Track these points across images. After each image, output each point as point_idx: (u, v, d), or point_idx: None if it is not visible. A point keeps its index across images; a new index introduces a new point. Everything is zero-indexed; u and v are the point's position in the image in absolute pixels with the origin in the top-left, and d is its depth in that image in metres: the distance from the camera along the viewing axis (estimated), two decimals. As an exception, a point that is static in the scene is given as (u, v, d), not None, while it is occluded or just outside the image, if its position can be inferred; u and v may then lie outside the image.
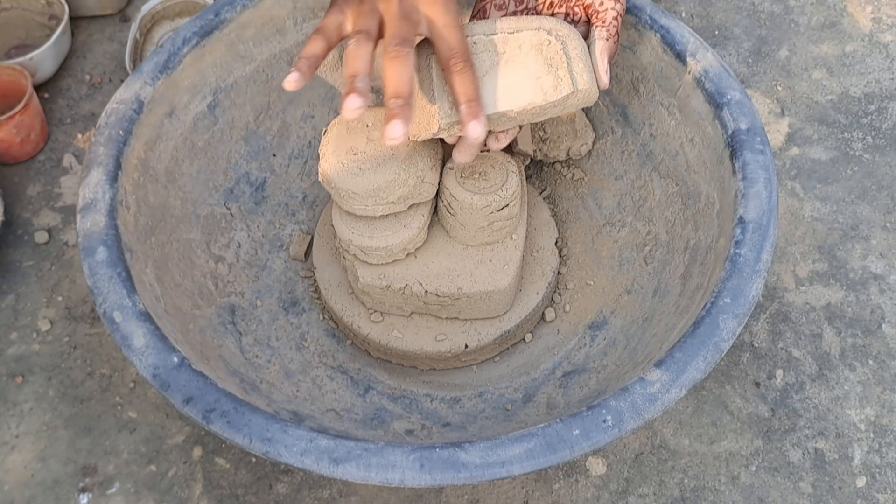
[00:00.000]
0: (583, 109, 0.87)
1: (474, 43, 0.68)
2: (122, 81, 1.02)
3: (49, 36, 1.04)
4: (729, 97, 0.73)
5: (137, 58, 1.05)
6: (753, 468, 0.81)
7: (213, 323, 0.76)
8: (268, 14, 0.83)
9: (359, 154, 0.71)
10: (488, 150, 0.75)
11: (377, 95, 0.92)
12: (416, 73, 0.64)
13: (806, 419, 0.83)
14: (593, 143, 0.88)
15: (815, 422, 0.83)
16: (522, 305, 0.80)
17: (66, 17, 1.03)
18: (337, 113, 0.91)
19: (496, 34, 0.68)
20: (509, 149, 0.86)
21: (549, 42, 0.67)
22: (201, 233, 0.81)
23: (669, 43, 0.76)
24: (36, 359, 0.87)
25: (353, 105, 0.60)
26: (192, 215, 0.81)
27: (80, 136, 1.03)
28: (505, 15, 0.73)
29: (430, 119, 0.67)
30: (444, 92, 0.67)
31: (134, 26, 1.05)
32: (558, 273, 0.84)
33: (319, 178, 0.73)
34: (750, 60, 1.08)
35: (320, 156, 0.72)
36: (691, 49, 0.75)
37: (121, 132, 0.73)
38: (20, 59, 0.99)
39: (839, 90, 1.05)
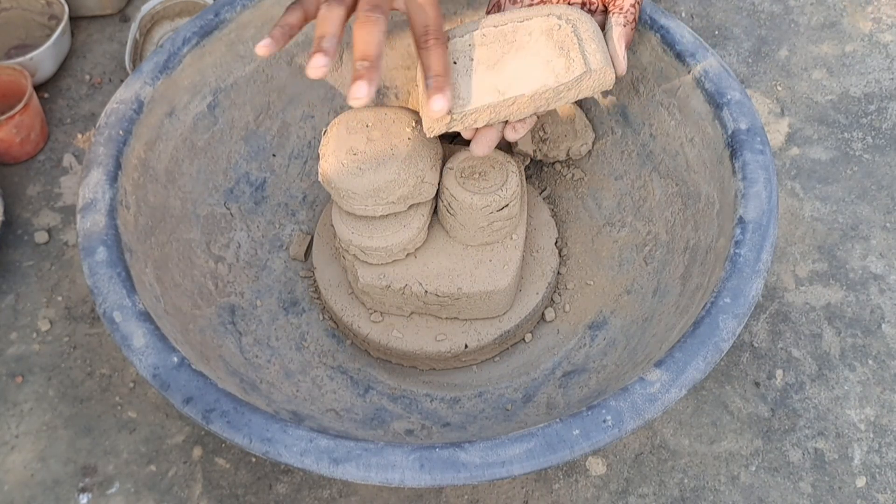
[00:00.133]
0: (582, 110, 0.87)
1: (484, 35, 0.68)
2: (122, 81, 1.02)
3: (49, 36, 1.04)
4: (729, 97, 0.73)
5: (137, 58, 1.05)
6: (753, 468, 0.81)
7: (212, 323, 0.76)
8: (268, 14, 0.83)
9: (359, 154, 0.71)
10: (508, 144, 0.75)
11: (377, 95, 0.92)
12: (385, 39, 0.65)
13: (806, 419, 0.83)
14: (593, 143, 0.88)
15: (814, 422, 0.83)
16: (522, 305, 0.80)
17: (65, 17, 1.03)
18: (337, 113, 0.91)
19: (506, 24, 0.69)
20: (509, 149, 0.86)
21: (560, 26, 0.67)
22: (201, 233, 0.81)
23: (669, 43, 0.76)
24: (36, 359, 0.87)
25: (317, 63, 0.61)
26: (191, 215, 0.81)
27: (80, 136, 1.03)
28: (521, 7, 0.73)
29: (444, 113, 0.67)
30: (455, 84, 0.67)
31: (134, 26, 1.05)
32: (558, 273, 0.84)
33: (319, 178, 0.73)
34: (750, 60, 1.08)
35: (320, 156, 0.72)
36: (691, 49, 0.75)
37: (121, 132, 0.73)
38: (20, 59, 0.99)
39: (839, 90, 1.05)
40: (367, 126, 0.72)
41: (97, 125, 0.74)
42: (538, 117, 0.71)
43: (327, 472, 0.56)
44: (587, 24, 0.68)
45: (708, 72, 0.74)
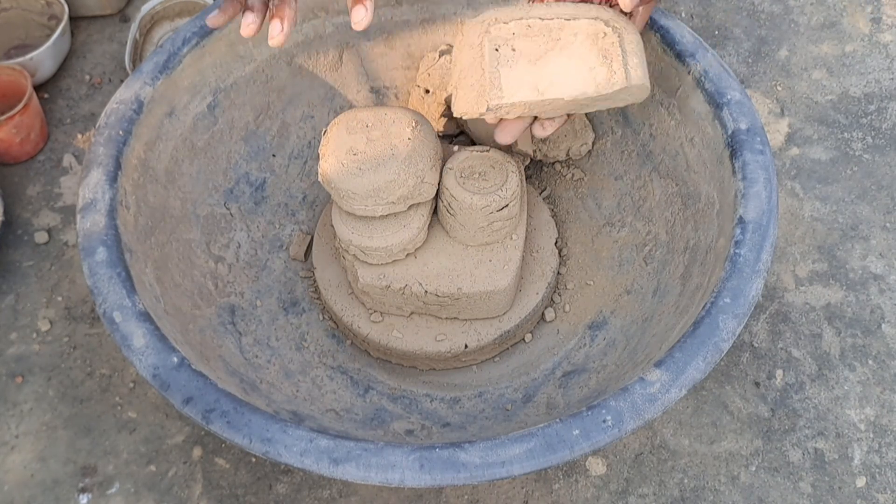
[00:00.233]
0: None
1: (529, 26, 0.68)
2: (121, 81, 1.02)
3: (49, 36, 1.04)
4: (729, 97, 0.73)
5: (137, 58, 1.05)
6: (753, 468, 0.81)
7: (212, 323, 0.76)
8: (267, 14, 0.83)
9: (358, 154, 0.71)
10: (534, 138, 0.76)
11: (377, 95, 0.92)
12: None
13: (806, 419, 0.83)
14: (593, 143, 0.88)
15: (814, 422, 0.83)
16: (522, 305, 0.80)
17: (65, 17, 1.03)
18: (337, 113, 0.91)
19: (552, 20, 0.68)
20: (509, 149, 0.86)
21: (606, 34, 0.67)
22: (201, 233, 0.81)
23: (669, 43, 0.76)
24: (36, 359, 0.87)
25: (246, 20, 0.65)
26: (191, 215, 0.81)
27: (79, 136, 1.03)
28: (567, 2, 0.72)
29: (479, 99, 0.67)
30: (495, 72, 0.67)
31: (134, 26, 1.05)
32: (558, 273, 0.84)
33: (319, 179, 0.73)
34: (750, 60, 1.08)
35: (320, 156, 0.72)
36: (691, 49, 0.75)
37: (120, 132, 0.73)
38: (20, 60, 0.99)
39: (839, 90, 1.05)
40: (366, 126, 0.72)
41: (97, 125, 0.74)
42: (567, 118, 0.71)
43: (327, 473, 0.56)
44: (632, 36, 0.68)
45: (708, 72, 0.74)
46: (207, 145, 0.83)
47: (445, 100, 0.87)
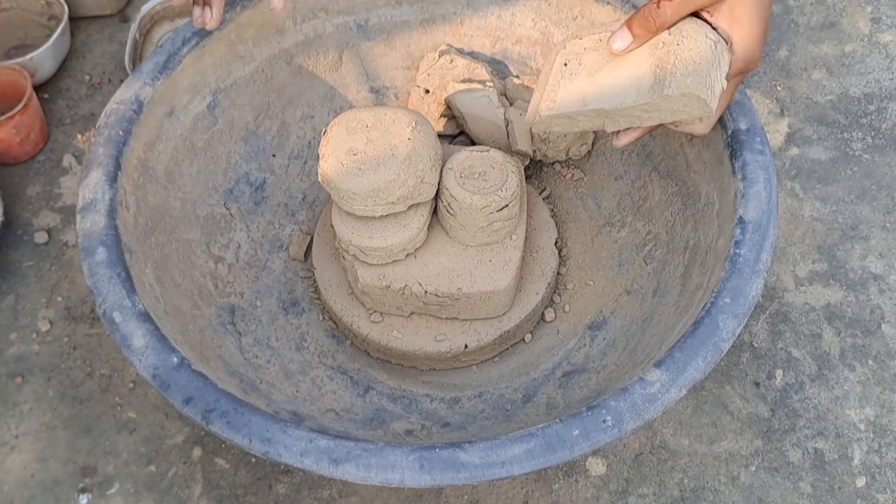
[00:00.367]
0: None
1: (600, 39, 0.67)
2: (121, 82, 1.02)
3: (49, 36, 1.04)
4: (728, 97, 0.73)
5: (137, 58, 1.05)
6: (753, 468, 0.81)
7: (212, 323, 0.76)
8: (267, 14, 0.83)
9: (358, 154, 0.71)
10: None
11: (377, 96, 0.92)
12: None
13: (806, 419, 0.83)
14: (593, 144, 0.88)
15: (814, 422, 0.83)
16: (522, 306, 0.80)
17: (65, 17, 1.03)
18: (337, 113, 0.91)
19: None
20: (509, 149, 0.86)
21: (665, 42, 0.65)
22: (201, 233, 0.81)
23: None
24: (36, 359, 0.87)
25: (195, 15, 0.75)
26: (191, 215, 0.81)
27: (79, 136, 1.03)
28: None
29: (534, 110, 0.68)
30: (556, 85, 0.67)
31: (133, 27, 1.05)
32: (558, 273, 0.84)
33: (319, 179, 0.73)
34: (749, 60, 1.08)
35: (320, 156, 0.72)
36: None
37: (120, 132, 0.73)
38: (20, 60, 0.99)
39: (839, 90, 1.05)
40: (366, 126, 0.72)
41: (97, 125, 0.74)
42: (645, 131, 0.69)
43: (327, 473, 0.56)
44: (694, 45, 0.65)
45: (708, 72, 0.74)
46: (207, 145, 0.83)
47: (445, 100, 0.87)
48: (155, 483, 0.80)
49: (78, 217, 0.69)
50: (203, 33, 0.79)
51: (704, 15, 0.66)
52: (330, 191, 0.72)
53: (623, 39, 0.66)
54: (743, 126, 0.71)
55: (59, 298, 0.90)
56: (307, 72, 0.89)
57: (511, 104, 0.87)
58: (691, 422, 0.83)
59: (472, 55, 0.91)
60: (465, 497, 0.79)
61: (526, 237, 0.80)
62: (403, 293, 0.76)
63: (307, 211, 0.89)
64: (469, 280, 0.75)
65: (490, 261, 0.76)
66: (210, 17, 0.76)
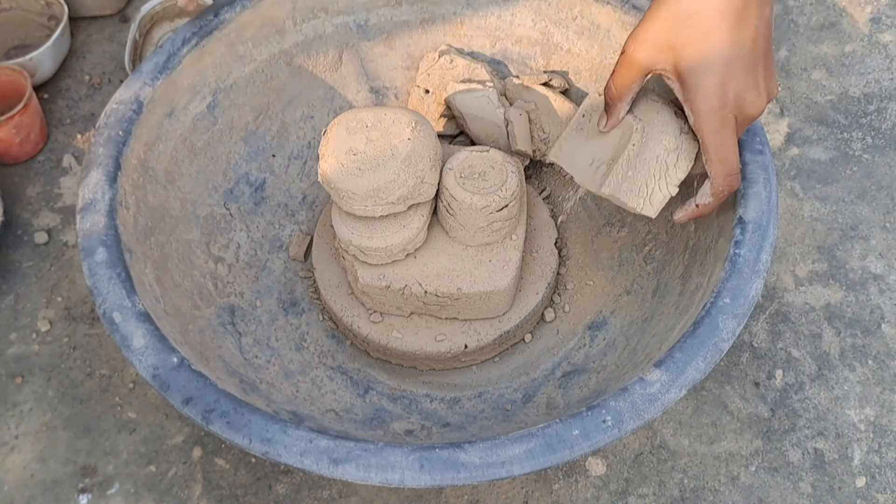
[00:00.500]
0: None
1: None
2: (121, 82, 1.02)
3: (48, 36, 1.04)
4: (728, 97, 0.73)
5: (137, 58, 1.05)
6: (753, 468, 0.81)
7: (212, 323, 0.76)
8: (267, 15, 0.83)
9: (358, 154, 0.71)
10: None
11: (376, 96, 0.92)
12: None
13: (805, 419, 0.83)
14: (593, 144, 0.88)
15: (814, 422, 0.83)
16: (522, 306, 0.80)
17: (65, 17, 1.03)
18: (336, 113, 0.91)
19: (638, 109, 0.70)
20: (509, 149, 0.86)
21: (633, 133, 0.68)
22: (201, 233, 0.81)
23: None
24: (35, 359, 0.87)
25: None
26: (191, 216, 0.81)
27: (79, 136, 1.03)
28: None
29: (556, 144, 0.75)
30: (568, 134, 0.74)
31: (133, 27, 1.05)
32: (558, 273, 0.84)
33: (319, 179, 0.73)
34: (749, 60, 1.08)
35: (320, 156, 0.72)
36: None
37: (120, 132, 0.73)
38: (20, 60, 0.99)
39: (838, 90, 1.05)
40: (366, 126, 0.72)
41: (97, 126, 0.74)
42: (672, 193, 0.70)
43: (327, 473, 0.56)
44: (652, 149, 0.67)
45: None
46: (207, 145, 0.83)
47: (445, 100, 0.87)
48: (155, 483, 0.80)
49: (78, 217, 0.69)
50: (203, 33, 0.79)
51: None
52: (330, 191, 0.72)
53: (603, 119, 0.69)
54: (743, 126, 0.71)
55: (59, 298, 0.90)
56: (307, 72, 0.89)
57: (511, 104, 0.87)
58: (691, 422, 0.83)
59: (472, 55, 0.91)
60: (465, 497, 0.79)
61: (526, 237, 0.80)
62: (403, 293, 0.76)
63: (307, 211, 0.89)
64: (469, 280, 0.75)
65: (490, 261, 0.76)
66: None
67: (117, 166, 0.71)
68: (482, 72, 0.87)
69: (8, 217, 0.94)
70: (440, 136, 0.91)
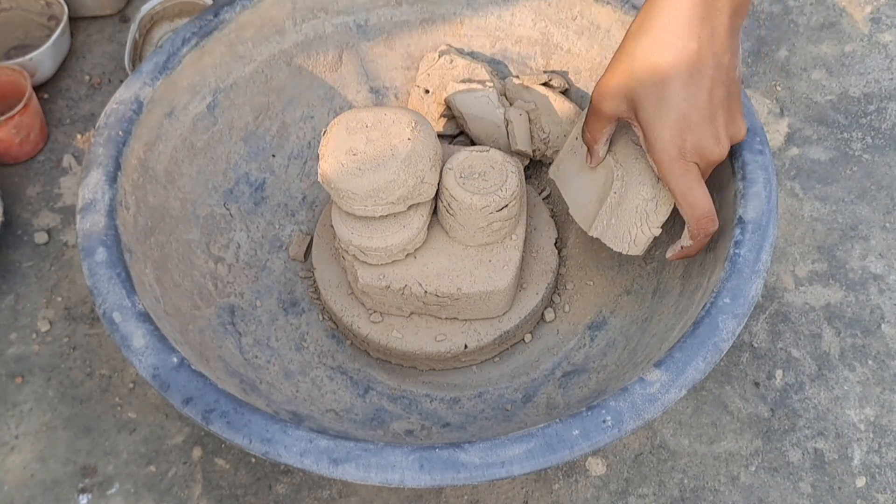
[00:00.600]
0: (582, 109, 0.87)
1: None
2: (121, 82, 1.02)
3: (48, 36, 1.04)
4: (728, 97, 0.73)
5: (137, 58, 1.05)
6: (753, 468, 0.81)
7: (212, 323, 0.76)
8: (267, 15, 0.83)
9: (358, 154, 0.71)
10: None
11: (376, 96, 0.92)
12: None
13: (805, 419, 0.83)
14: (593, 144, 0.88)
15: (814, 422, 0.83)
16: (522, 306, 0.80)
17: (65, 17, 1.03)
18: (336, 113, 0.91)
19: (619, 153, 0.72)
20: (509, 149, 0.86)
21: (615, 179, 0.71)
22: (201, 233, 0.81)
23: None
24: (35, 359, 0.87)
25: None
26: (191, 216, 0.81)
27: (79, 136, 1.03)
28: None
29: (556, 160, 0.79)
30: (564, 153, 0.78)
31: (133, 27, 1.05)
32: (558, 273, 0.84)
33: (319, 179, 0.73)
34: (749, 61, 1.08)
35: (320, 156, 0.72)
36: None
37: (120, 133, 0.73)
38: (20, 60, 0.99)
39: (838, 90, 1.05)
40: (366, 126, 0.72)
41: (97, 126, 0.74)
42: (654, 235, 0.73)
43: (327, 473, 0.56)
44: (631, 199, 0.71)
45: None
46: (207, 146, 0.83)
47: (445, 100, 0.87)
48: (155, 483, 0.80)
49: (78, 217, 0.69)
50: (203, 33, 0.79)
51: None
52: (330, 191, 0.72)
53: (587, 156, 0.73)
54: (743, 126, 0.71)
55: (59, 298, 0.90)
56: (307, 72, 0.89)
57: (511, 104, 0.87)
58: (691, 422, 0.83)
59: (472, 55, 0.91)
60: (465, 497, 0.79)
61: (526, 237, 0.80)
62: (403, 293, 0.76)
63: (307, 211, 0.89)
64: (469, 280, 0.75)
65: (490, 261, 0.76)
66: None
67: (117, 166, 0.71)
68: (482, 72, 0.87)
69: (8, 217, 0.94)
70: (440, 136, 0.91)
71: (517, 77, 0.89)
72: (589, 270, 0.85)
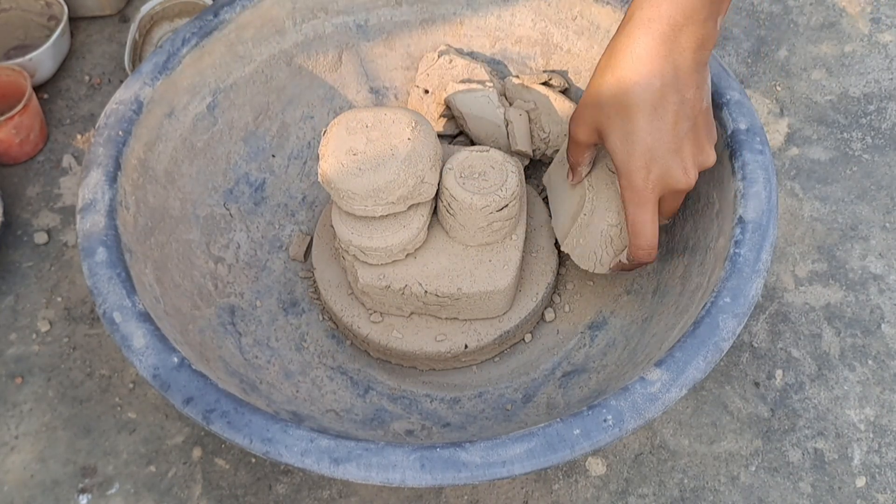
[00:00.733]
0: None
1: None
2: (121, 82, 1.02)
3: (48, 36, 1.04)
4: (728, 97, 0.73)
5: (137, 58, 1.05)
6: (753, 468, 0.81)
7: (212, 323, 0.76)
8: (267, 15, 0.83)
9: (358, 154, 0.71)
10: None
11: (376, 96, 0.92)
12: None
13: (805, 419, 0.83)
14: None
15: (814, 422, 0.83)
16: (522, 306, 0.80)
17: (65, 17, 1.03)
18: (336, 113, 0.91)
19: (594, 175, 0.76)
20: (509, 149, 0.86)
21: (587, 202, 0.76)
22: (201, 233, 0.81)
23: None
24: (35, 359, 0.86)
25: None
26: (191, 216, 0.81)
27: (79, 136, 1.03)
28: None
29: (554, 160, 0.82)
30: (555, 161, 0.81)
31: (133, 27, 1.05)
32: (558, 273, 0.84)
33: (319, 179, 0.73)
34: (749, 61, 1.09)
35: (320, 156, 0.72)
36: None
37: (120, 133, 0.73)
38: (19, 60, 0.98)
39: (838, 90, 1.06)
40: (366, 126, 0.72)
41: (97, 126, 0.74)
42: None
43: (328, 473, 0.56)
44: (599, 223, 0.75)
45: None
46: (207, 146, 0.83)
47: (445, 100, 0.87)
48: (155, 483, 0.80)
49: (78, 217, 0.69)
50: (202, 33, 0.79)
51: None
52: (330, 191, 0.72)
53: (569, 175, 0.76)
54: (742, 126, 0.72)
55: (59, 299, 0.90)
56: (307, 72, 0.89)
57: (511, 104, 0.87)
58: (691, 422, 0.83)
59: (472, 55, 0.91)
60: (465, 497, 0.79)
61: (526, 237, 0.80)
62: (403, 293, 0.76)
63: (307, 211, 0.89)
64: (469, 280, 0.75)
65: (490, 261, 0.76)
66: None
67: (117, 166, 0.71)
68: (482, 72, 0.87)
69: (8, 217, 0.94)
70: (440, 136, 0.91)
71: (517, 77, 0.89)
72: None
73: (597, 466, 0.81)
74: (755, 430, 0.83)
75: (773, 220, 0.67)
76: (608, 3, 0.82)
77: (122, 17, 1.14)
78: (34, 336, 0.88)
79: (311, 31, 0.87)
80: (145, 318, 0.63)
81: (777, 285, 0.91)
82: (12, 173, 0.99)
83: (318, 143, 0.90)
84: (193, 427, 0.83)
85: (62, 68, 1.08)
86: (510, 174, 0.74)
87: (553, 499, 0.79)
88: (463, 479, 0.56)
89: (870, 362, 0.86)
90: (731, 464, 0.81)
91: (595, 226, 0.74)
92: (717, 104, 0.73)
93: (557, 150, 0.86)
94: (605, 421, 0.58)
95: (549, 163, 0.90)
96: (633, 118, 0.64)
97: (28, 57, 0.99)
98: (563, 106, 0.84)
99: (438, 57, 0.88)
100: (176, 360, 0.61)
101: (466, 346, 0.78)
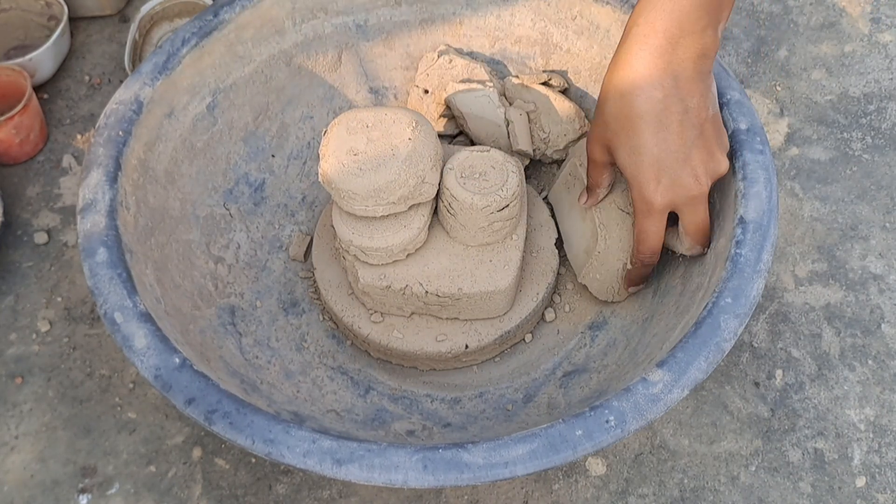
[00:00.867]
0: (582, 109, 0.87)
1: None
2: (121, 82, 1.02)
3: (48, 37, 1.04)
4: (728, 97, 0.73)
5: (137, 58, 1.05)
6: (753, 468, 0.81)
7: (213, 324, 0.76)
8: (267, 15, 0.83)
9: (359, 154, 0.71)
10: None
11: (376, 96, 0.92)
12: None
13: (805, 419, 0.83)
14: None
15: (814, 422, 0.83)
16: (522, 306, 0.80)
17: (65, 17, 1.03)
18: (336, 114, 0.91)
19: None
20: (509, 149, 0.86)
21: (598, 229, 0.78)
22: (201, 234, 0.81)
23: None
24: (35, 359, 0.86)
25: None
26: (191, 216, 0.81)
27: (79, 136, 1.03)
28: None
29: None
30: (559, 182, 0.84)
31: (133, 27, 1.04)
32: (558, 273, 0.84)
33: (319, 179, 0.73)
34: (749, 61, 1.09)
35: (320, 156, 0.72)
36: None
37: (120, 133, 0.73)
38: (19, 60, 0.98)
39: (838, 90, 1.06)
40: (367, 126, 0.72)
41: (97, 126, 0.74)
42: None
43: (330, 473, 0.56)
44: (610, 258, 0.78)
45: (708, 72, 0.74)
46: (207, 146, 0.83)
47: (445, 100, 0.87)
48: (155, 483, 0.80)
49: (78, 217, 0.69)
50: (202, 33, 0.79)
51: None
52: (330, 191, 0.72)
53: (583, 196, 0.78)
54: (743, 126, 0.72)
55: (59, 299, 0.90)
56: (306, 72, 0.89)
57: (511, 104, 0.87)
58: (691, 422, 0.83)
59: (471, 55, 0.91)
60: (465, 497, 0.79)
61: (526, 237, 0.80)
62: (404, 293, 0.76)
63: (307, 211, 0.89)
64: (470, 280, 0.75)
65: (491, 261, 0.76)
66: None
67: (117, 166, 0.71)
68: (481, 72, 0.87)
69: (8, 217, 0.94)
70: (440, 136, 0.91)
71: (516, 77, 0.89)
72: (589, 270, 0.85)
73: (597, 466, 0.81)
74: (755, 430, 0.83)
75: (774, 221, 0.67)
76: (608, 2, 0.82)
77: (122, 17, 1.14)
78: (34, 336, 0.88)
79: (311, 31, 0.87)
80: (146, 318, 0.63)
81: (777, 285, 0.91)
82: (12, 173, 0.99)
83: (318, 143, 0.90)
84: (193, 427, 0.83)
85: (62, 68, 1.08)
86: (511, 174, 0.74)
87: (553, 499, 0.79)
88: (465, 480, 0.56)
89: (870, 362, 0.86)
90: (731, 464, 0.81)
91: (610, 264, 0.78)
92: (718, 104, 0.73)
93: (557, 150, 0.86)
94: (607, 422, 0.58)
95: (549, 163, 0.90)
96: (639, 131, 0.65)
97: (28, 57, 0.99)
98: (562, 106, 0.84)
99: (438, 57, 0.88)
100: (177, 360, 0.61)
101: (467, 346, 0.78)
